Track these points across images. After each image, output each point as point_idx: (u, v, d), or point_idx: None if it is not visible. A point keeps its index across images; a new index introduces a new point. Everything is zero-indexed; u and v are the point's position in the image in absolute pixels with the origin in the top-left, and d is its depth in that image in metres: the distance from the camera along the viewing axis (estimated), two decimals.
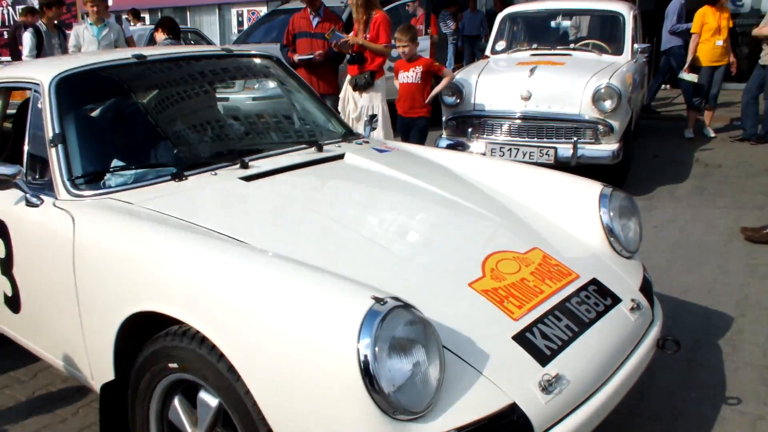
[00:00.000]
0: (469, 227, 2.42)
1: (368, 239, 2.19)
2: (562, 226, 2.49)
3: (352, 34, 5.60)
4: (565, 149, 5.41)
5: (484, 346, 1.78)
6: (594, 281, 2.19)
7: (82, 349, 2.23)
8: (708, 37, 7.59)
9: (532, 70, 5.81)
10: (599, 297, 2.13)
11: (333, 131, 3.22)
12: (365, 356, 1.49)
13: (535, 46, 6.85)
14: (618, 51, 6.33)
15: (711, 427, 2.51)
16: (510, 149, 5.55)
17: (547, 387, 1.74)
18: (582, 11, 7.28)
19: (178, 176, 2.45)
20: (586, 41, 6.75)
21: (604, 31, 6.83)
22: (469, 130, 5.77)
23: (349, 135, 3.18)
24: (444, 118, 5.94)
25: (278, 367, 1.63)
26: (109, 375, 2.10)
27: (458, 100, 5.84)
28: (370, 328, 1.50)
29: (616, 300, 2.16)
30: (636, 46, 6.46)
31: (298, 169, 2.66)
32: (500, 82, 5.99)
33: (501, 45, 6.94)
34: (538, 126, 5.64)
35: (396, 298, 1.60)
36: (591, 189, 2.57)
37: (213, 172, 2.51)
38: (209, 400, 1.85)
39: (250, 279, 1.76)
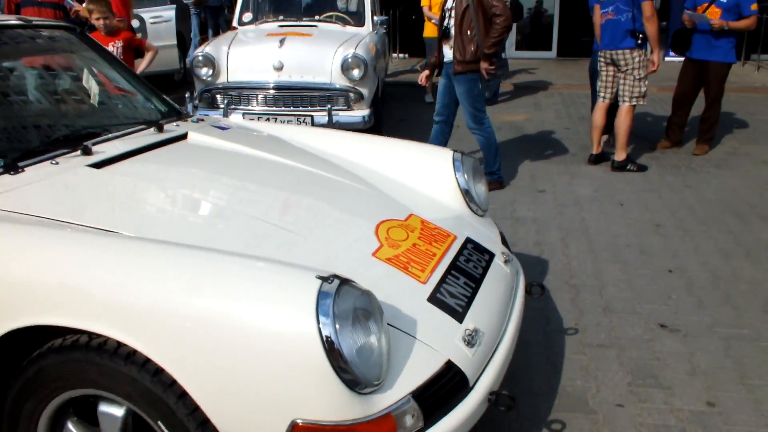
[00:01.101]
0: (347, 199, 2.32)
1: (257, 218, 2.00)
2: (422, 192, 2.48)
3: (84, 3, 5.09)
4: (320, 116, 5.55)
5: (407, 312, 1.77)
6: (469, 240, 2.26)
7: None
8: (436, 12, 8.13)
9: (281, 41, 5.86)
10: (479, 254, 2.21)
11: (159, 110, 2.90)
12: (327, 335, 1.42)
13: (281, 17, 6.87)
14: (360, 23, 6.65)
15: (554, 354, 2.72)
16: (267, 119, 5.52)
17: (469, 341, 1.79)
18: None
19: (11, 168, 2.04)
20: (330, 13, 6.92)
21: (346, 4, 7.16)
22: (225, 101, 5.70)
23: (176, 113, 2.90)
24: (197, 91, 5.79)
25: (224, 367, 1.46)
26: None
27: (211, 73, 5.71)
28: (326, 307, 1.45)
29: (491, 255, 2.25)
30: (376, 18, 6.82)
31: (146, 152, 2.37)
32: (251, 53, 5.97)
33: (248, 17, 6.89)
34: (293, 95, 5.71)
35: (335, 275, 1.52)
36: (443, 154, 2.61)
37: (53, 161, 2.14)
38: (113, 411, 1.64)
39: (176, 276, 1.53)
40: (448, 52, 4.87)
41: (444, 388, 1.66)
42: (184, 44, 9.55)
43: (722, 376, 2.52)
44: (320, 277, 1.50)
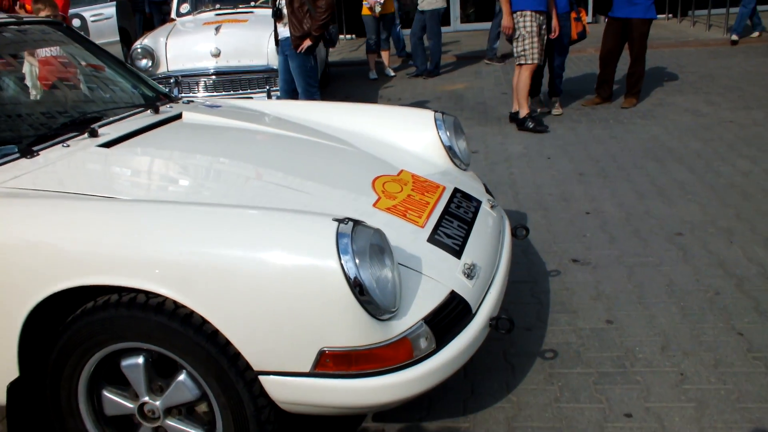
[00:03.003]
0: (342, 160, 2.66)
1: (265, 181, 2.32)
2: (409, 150, 2.85)
3: None
4: (260, 98, 5.97)
5: (411, 252, 2.08)
6: (457, 190, 2.61)
7: None
8: None
9: (217, 29, 6.37)
10: (467, 201, 2.56)
11: (151, 94, 3.16)
12: (350, 269, 1.68)
13: (218, 6, 7.31)
14: None
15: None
16: None
17: (468, 273, 2.12)
18: None
19: (27, 153, 2.29)
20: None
21: None
22: (168, 90, 5.96)
23: (166, 97, 3.16)
24: None
25: (255, 307, 1.72)
26: (13, 373, 1.95)
27: (150, 63, 6.17)
28: (345, 245, 1.70)
29: (479, 202, 2.61)
30: None
31: (149, 131, 2.64)
32: (189, 42, 6.44)
33: (185, 7, 7.39)
34: (232, 79, 6.21)
35: (348, 218, 1.79)
36: (425, 115, 2.96)
37: (64, 144, 2.39)
38: (134, 361, 1.92)
39: (208, 232, 1.78)
40: (282, 30, 5.34)
41: (451, 314, 1.93)
42: (129, 40, 9.73)
43: (623, 299, 3.10)
44: (336, 220, 1.73)
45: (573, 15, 6.30)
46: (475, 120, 6.43)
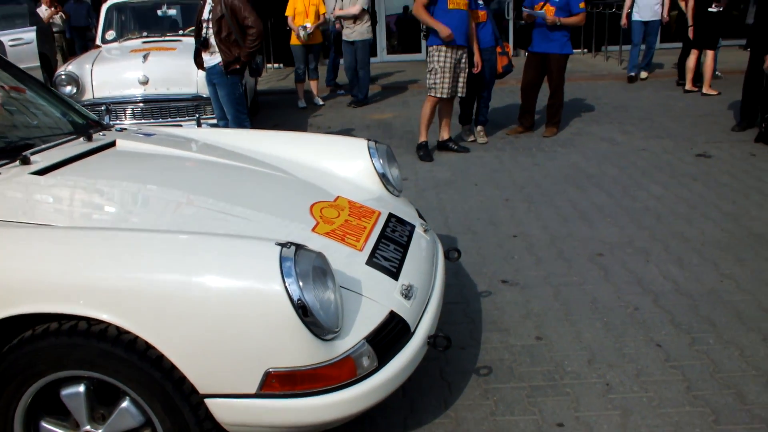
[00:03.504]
0: (280, 187, 2.72)
1: (203, 208, 2.34)
2: (344, 177, 2.93)
3: None
4: (190, 125, 6.00)
5: (351, 274, 2.15)
6: (392, 215, 2.70)
7: None
8: (300, 21, 8.69)
9: (145, 56, 6.37)
10: (402, 225, 2.66)
11: (81, 121, 3.15)
12: (294, 291, 1.74)
13: (145, 34, 7.35)
14: None
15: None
16: None
17: (406, 294, 2.20)
18: (184, 2, 7.85)
19: None
20: (193, 28, 7.31)
21: None
22: (97, 117, 5.94)
23: (98, 124, 3.16)
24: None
25: (202, 331, 1.75)
26: None
27: (75, 90, 6.11)
28: (290, 267, 1.76)
29: (413, 226, 2.70)
30: None
31: (81, 159, 2.63)
32: (116, 69, 6.43)
33: (111, 34, 7.34)
34: (161, 107, 6.21)
35: (290, 242, 1.84)
36: (359, 144, 3.05)
37: None
38: (74, 390, 1.91)
39: (152, 257, 1.81)
40: (208, 59, 5.43)
41: (391, 333, 2.01)
42: (49, 65, 9.72)
43: (550, 316, 3.25)
44: (279, 243, 1.78)
45: (498, 49, 6.58)
46: (403, 148, 6.58)
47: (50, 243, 1.89)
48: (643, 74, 9.97)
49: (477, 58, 6.14)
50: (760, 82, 6.60)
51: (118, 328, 1.78)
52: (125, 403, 1.90)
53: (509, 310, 3.36)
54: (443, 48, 5.85)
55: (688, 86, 9.00)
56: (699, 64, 8.82)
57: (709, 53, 8.53)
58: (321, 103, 9.35)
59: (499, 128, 7.33)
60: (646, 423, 2.50)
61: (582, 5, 6.54)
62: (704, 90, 8.75)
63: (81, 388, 1.90)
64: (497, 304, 3.43)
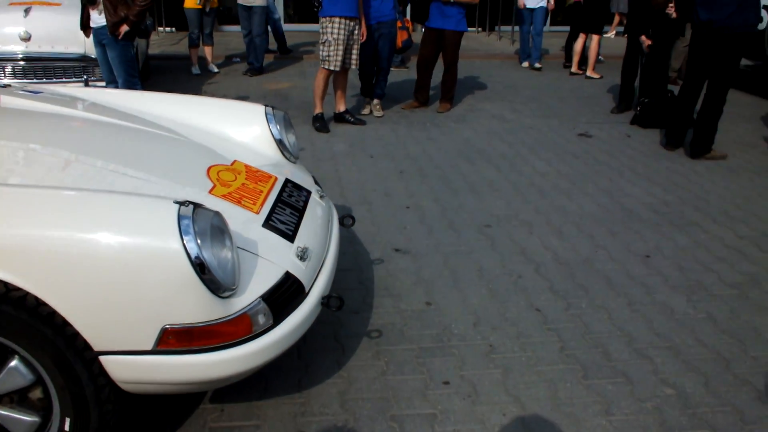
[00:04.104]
0: (175, 148, 2.68)
1: (99, 167, 2.29)
2: (241, 142, 2.93)
3: None
4: (77, 86, 5.65)
5: (247, 236, 2.18)
6: (288, 180, 2.73)
7: None
8: None
9: (27, 11, 6.02)
10: (298, 191, 2.70)
11: None
12: (192, 249, 1.77)
13: None
14: None
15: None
16: None
17: (301, 256, 2.27)
18: None
19: None
20: None
21: None
22: None
23: None
24: None
25: (97, 286, 1.76)
26: None
27: None
28: (188, 225, 1.79)
29: (309, 192, 2.75)
30: None
31: None
32: None
33: None
34: (44, 66, 5.91)
35: (189, 201, 1.86)
36: (255, 109, 3.05)
37: None
38: None
39: (44, 214, 1.78)
40: (97, 18, 5.24)
41: (286, 293, 2.07)
42: None
43: (440, 283, 3.41)
44: (177, 202, 1.80)
45: (399, 24, 6.66)
46: (300, 119, 6.57)
47: None
48: (538, 65, 9.88)
49: (363, 29, 6.16)
50: (636, 67, 7.05)
51: (6, 284, 1.74)
52: (14, 362, 1.86)
53: (401, 277, 3.49)
54: (336, 20, 5.87)
55: (574, 69, 9.47)
56: (584, 48, 9.27)
57: (595, 37, 8.99)
58: (216, 70, 9.16)
59: (395, 103, 7.45)
60: (523, 380, 2.69)
61: None
62: (588, 73, 9.23)
63: None
64: (390, 272, 3.55)
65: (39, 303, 1.76)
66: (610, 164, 5.49)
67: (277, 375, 2.63)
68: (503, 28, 12.67)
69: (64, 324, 1.79)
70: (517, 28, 10.78)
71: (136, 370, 1.86)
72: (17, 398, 1.93)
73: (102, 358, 1.84)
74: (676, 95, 6.04)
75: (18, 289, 1.75)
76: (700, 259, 3.80)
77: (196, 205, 1.87)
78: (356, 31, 6.06)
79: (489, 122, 6.80)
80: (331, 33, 5.91)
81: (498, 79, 9.15)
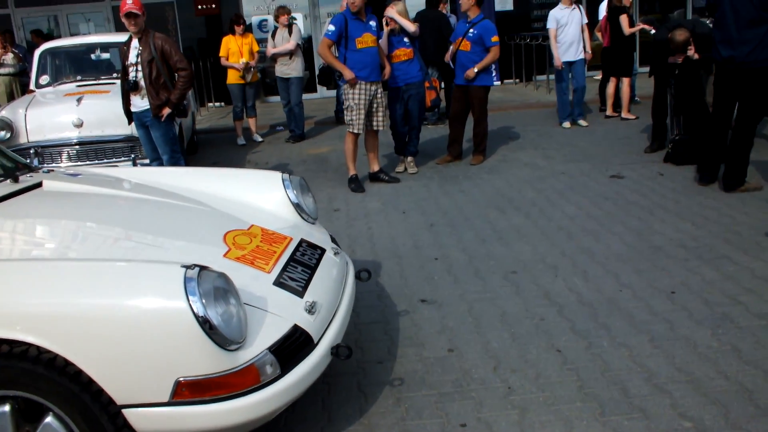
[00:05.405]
0: (196, 217, 2.94)
1: (122, 239, 2.56)
2: (260, 207, 3.16)
3: None
4: (126, 166, 6.15)
5: (258, 294, 2.38)
6: (303, 240, 2.93)
7: None
8: (234, 60, 9.00)
9: (79, 100, 6.50)
10: (312, 249, 2.89)
11: (7, 165, 3.30)
12: (198, 308, 1.97)
13: (79, 78, 7.50)
14: None
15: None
16: None
17: (310, 310, 2.43)
18: (118, 45, 7.97)
19: None
20: None
21: None
22: (27, 161, 6.05)
23: (26, 166, 3.32)
24: None
25: (115, 346, 1.96)
26: None
27: (9, 135, 6.23)
28: (193, 287, 1.98)
29: (323, 250, 2.93)
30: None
31: (7, 200, 2.80)
32: (50, 112, 6.57)
33: (45, 79, 7.50)
34: (96, 149, 6.35)
35: (195, 264, 2.06)
36: (273, 176, 3.29)
37: None
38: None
39: (67, 283, 2.01)
40: (138, 102, 5.63)
41: (294, 344, 2.23)
42: None
43: (463, 330, 3.50)
44: (184, 266, 2.00)
45: (426, 84, 6.94)
46: (338, 181, 6.83)
47: None
48: (583, 122, 9.16)
49: (387, 69, 6.43)
50: (665, 106, 7.10)
51: (38, 348, 1.96)
52: (48, 418, 2.07)
53: (425, 327, 3.61)
54: (356, 85, 6.16)
55: (609, 112, 9.52)
56: (618, 90, 9.33)
57: (625, 80, 9.07)
58: (260, 139, 9.60)
59: (430, 158, 7.66)
60: (539, 419, 2.75)
61: (494, 39, 6.91)
62: (623, 115, 9.28)
63: (6, 408, 2.07)
64: (415, 321, 3.67)
65: (67, 363, 1.97)
66: (640, 203, 5.52)
67: (301, 423, 2.77)
68: (539, 77, 12.84)
69: (90, 381, 1.99)
70: (552, 76, 10.89)
71: (155, 421, 2.04)
72: None
73: (125, 411, 2.03)
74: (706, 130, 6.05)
75: (48, 351, 1.96)
76: (727, 291, 3.80)
77: (202, 268, 2.07)
78: (379, 94, 6.32)
79: (521, 171, 6.92)
80: (353, 98, 6.20)
81: (532, 127, 9.29)
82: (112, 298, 1.97)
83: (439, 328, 3.58)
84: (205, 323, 1.97)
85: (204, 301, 1.98)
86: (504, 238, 4.90)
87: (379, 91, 6.31)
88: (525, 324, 3.57)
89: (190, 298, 1.96)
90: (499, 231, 5.06)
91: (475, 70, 6.90)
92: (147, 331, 1.96)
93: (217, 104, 13.25)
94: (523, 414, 2.79)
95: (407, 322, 3.68)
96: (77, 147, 6.33)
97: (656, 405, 2.79)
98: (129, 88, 5.59)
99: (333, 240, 3.20)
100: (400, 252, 4.75)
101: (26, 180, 3.08)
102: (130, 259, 2.35)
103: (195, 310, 1.96)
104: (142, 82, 5.51)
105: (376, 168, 6.71)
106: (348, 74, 6.08)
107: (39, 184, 3.07)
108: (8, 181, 3.03)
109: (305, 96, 9.57)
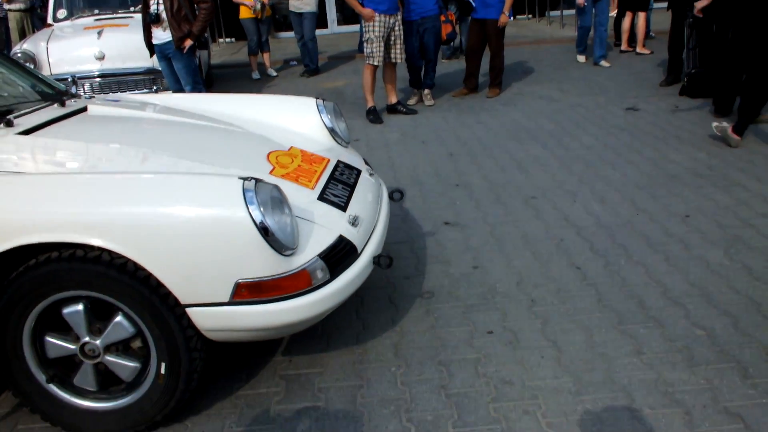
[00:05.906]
0: (240, 139, 3.07)
1: (176, 157, 2.67)
2: (296, 131, 3.28)
3: None
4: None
5: (305, 207, 2.51)
6: (340, 161, 3.07)
7: None
8: None
9: (99, 33, 6.58)
10: (349, 170, 3.03)
11: (53, 91, 3.41)
12: (256, 216, 2.11)
13: (96, 12, 7.52)
14: None
15: None
16: None
17: (353, 222, 2.59)
18: None
19: None
20: None
21: None
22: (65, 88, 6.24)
23: (68, 93, 3.42)
24: None
25: (182, 251, 2.11)
26: None
27: (32, 68, 6.20)
28: (251, 197, 2.13)
29: (359, 170, 3.08)
30: None
31: (59, 122, 2.93)
32: (71, 46, 6.65)
33: (62, 13, 7.52)
34: (118, 81, 6.49)
35: (250, 176, 2.20)
36: (308, 102, 3.42)
37: None
38: (74, 308, 2.25)
39: (140, 193, 2.17)
40: (161, 35, 5.71)
41: (340, 252, 2.37)
42: None
43: (486, 249, 3.69)
44: (241, 178, 2.14)
45: (442, 18, 6.96)
46: (355, 113, 6.93)
47: (49, 185, 2.23)
48: (605, 63, 8.81)
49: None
50: (682, 40, 7.11)
51: (110, 252, 2.14)
52: (119, 317, 2.26)
53: (450, 246, 3.79)
54: (375, 17, 6.22)
55: (624, 47, 9.51)
56: (633, 26, 9.30)
57: (641, 14, 9.03)
58: (274, 74, 9.64)
59: (446, 91, 7.73)
60: (561, 327, 2.95)
61: None
62: (638, 49, 9.27)
63: (80, 306, 2.25)
64: (440, 242, 3.85)
65: (137, 267, 2.15)
66: (656, 134, 5.63)
67: (338, 331, 2.98)
68: (552, 13, 12.73)
69: (158, 284, 2.17)
70: (567, 12, 10.81)
71: (216, 319, 2.23)
72: (122, 347, 2.33)
73: (189, 310, 2.21)
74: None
75: (120, 256, 2.14)
76: (740, 215, 3.95)
77: (257, 180, 2.22)
78: (397, 27, 6.37)
79: (537, 103, 7.00)
80: (372, 31, 6.26)
81: (547, 62, 9.30)
82: (178, 207, 2.12)
83: (463, 248, 3.76)
84: (263, 230, 2.13)
85: (262, 209, 2.14)
86: (523, 166, 5.04)
87: (397, 24, 6.35)
88: (546, 244, 3.74)
89: (250, 207, 2.11)
90: (518, 160, 5.19)
91: (506, 12, 7.00)
92: (210, 237, 2.12)
93: (228, 40, 13.22)
94: (545, 323, 2.99)
95: (432, 242, 3.86)
96: (99, 80, 6.46)
97: (671, 316, 2.98)
98: (151, 21, 5.66)
99: (366, 162, 3.34)
100: (422, 179, 4.90)
101: (72, 105, 3.21)
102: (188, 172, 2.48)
103: (254, 218, 2.11)
104: (163, 15, 5.57)
105: (394, 100, 6.80)
106: (366, 14, 6.16)
107: (84, 108, 3.20)
108: (55, 105, 3.16)
109: (316, 32, 9.55)
